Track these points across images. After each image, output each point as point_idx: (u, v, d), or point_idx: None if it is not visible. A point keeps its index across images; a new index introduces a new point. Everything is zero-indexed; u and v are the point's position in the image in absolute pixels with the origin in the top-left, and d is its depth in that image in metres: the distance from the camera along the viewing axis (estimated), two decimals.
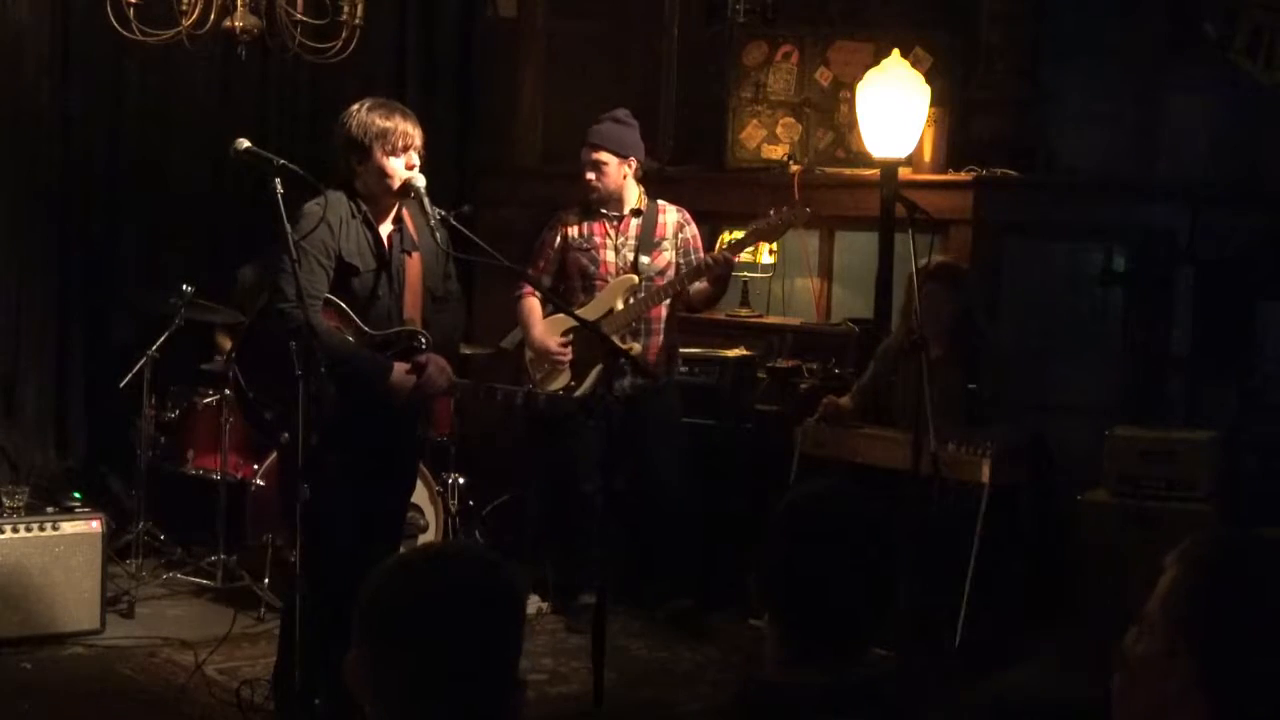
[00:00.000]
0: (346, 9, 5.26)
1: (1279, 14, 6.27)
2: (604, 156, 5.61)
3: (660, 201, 5.78)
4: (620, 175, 5.64)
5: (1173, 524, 5.30)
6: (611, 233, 5.69)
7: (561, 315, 5.57)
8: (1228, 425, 5.97)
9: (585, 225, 5.71)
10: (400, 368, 4.25)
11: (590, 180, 5.63)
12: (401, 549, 4.39)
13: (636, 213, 5.70)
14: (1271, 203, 6.74)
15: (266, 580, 5.66)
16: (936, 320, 5.30)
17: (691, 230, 5.77)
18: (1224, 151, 6.88)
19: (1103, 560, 5.39)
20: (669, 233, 5.72)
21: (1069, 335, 6.53)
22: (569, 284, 5.72)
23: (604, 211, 5.70)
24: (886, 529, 2.20)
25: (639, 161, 5.71)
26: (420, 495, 5.85)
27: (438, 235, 4.25)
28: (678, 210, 5.78)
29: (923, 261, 5.24)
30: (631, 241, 5.68)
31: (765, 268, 6.96)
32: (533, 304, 5.71)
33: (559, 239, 5.74)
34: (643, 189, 5.75)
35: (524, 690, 1.83)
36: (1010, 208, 6.50)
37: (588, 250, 5.69)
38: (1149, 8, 6.75)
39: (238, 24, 5.09)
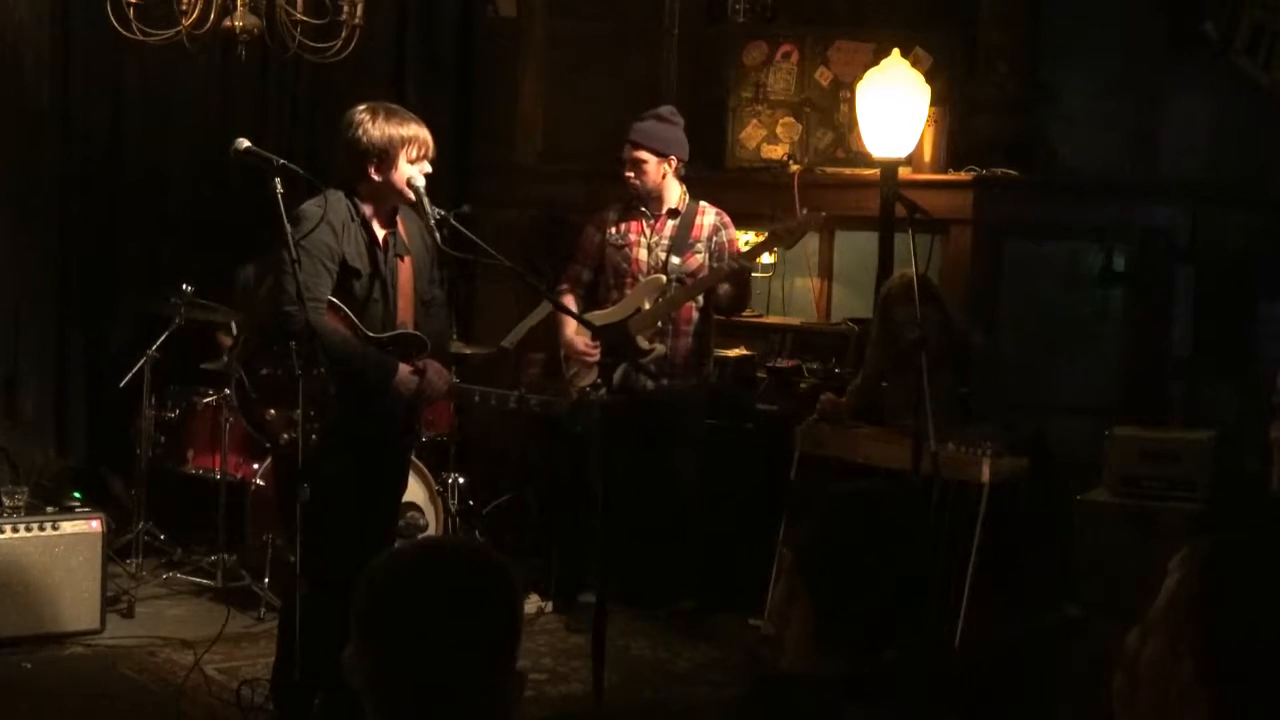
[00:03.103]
0: (346, 9, 5.26)
1: (1279, 14, 6.27)
2: (643, 155, 5.60)
3: (702, 203, 5.75)
4: (659, 174, 5.62)
5: (1173, 524, 5.30)
6: (647, 231, 5.69)
7: (594, 313, 5.58)
8: (1228, 425, 5.97)
9: (623, 223, 5.72)
10: (404, 368, 4.27)
11: (629, 178, 5.62)
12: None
13: (674, 213, 5.69)
14: (1271, 203, 6.75)
15: (266, 580, 5.66)
16: (934, 337, 5.29)
17: (729, 234, 5.75)
18: (1224, 151, 6.89)
19: (1103, 560, 5.39)
20: (704, 235, 5.70)
21: (1069, 335, 6.53)
22: (604, 280, 5.73)
23: (643, 210, 5.69)
24: (931, 533, 2.25)
25: (680, 160, 5.68)
26: (420, 495, 5.86)
27: (438, 235, 4.26)
28: (717, 213, 5.75)
29: (900, 272, 5.23)
30: (665, 241, 5.67)
31: (765, 268, 6.95)
32: (568, 302, 5.70)
33: (598, 235, 5.74)
34: (685, 188, 5.74)
35: (522, 682, 1.83)
36: (1010, 208, 6.50)
37: (622, 248, 5.69)
38: (1149, 8, 6.75)
39: (238, 24, 5.09)
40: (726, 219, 5.77)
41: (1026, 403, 5.96)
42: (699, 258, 5.68)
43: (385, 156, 4.21)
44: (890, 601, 2.14)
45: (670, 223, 5.68)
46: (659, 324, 5.60)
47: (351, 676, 1.79)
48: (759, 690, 2.14)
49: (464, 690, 1.76)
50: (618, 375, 5.30)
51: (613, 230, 5.72)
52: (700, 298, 5.68)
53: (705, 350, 5.80)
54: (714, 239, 5.71)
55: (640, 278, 5.66)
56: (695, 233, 5.69)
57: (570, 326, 5.67)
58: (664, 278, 5.62)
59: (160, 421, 6.15)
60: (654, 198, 5.66)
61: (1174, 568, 1.60)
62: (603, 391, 5.41)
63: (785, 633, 2.18)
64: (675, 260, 5.64)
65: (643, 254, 5.68)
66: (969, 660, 5.02)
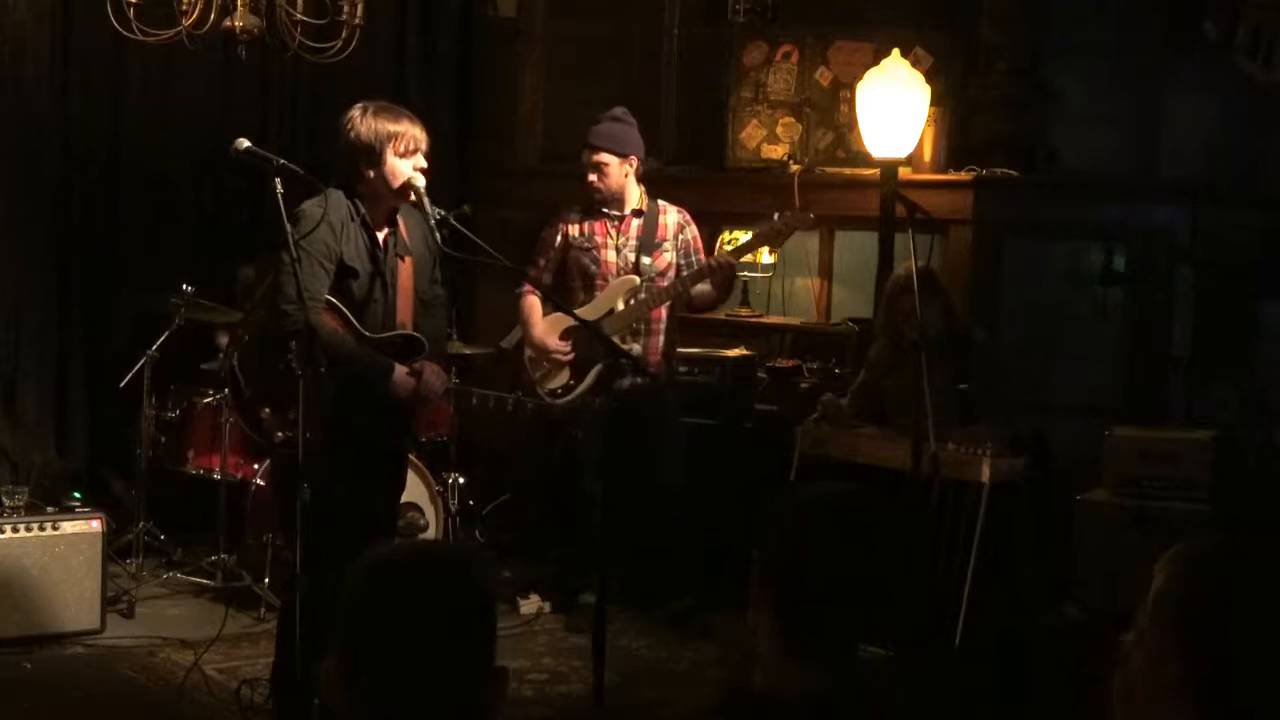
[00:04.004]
0: (346, 9, 5.26)
1: (1279, 14, 6.27)
2: (604, 158, 5.60)
3: (661, 202, 5.76)
4: (621, 174, 5.63)
5: (1173, 524, 5.29)
6: (613, 233, 5.69)
7: (561, 314, 5.56)
8: (1227, 425, 5.97)
9: (586, 225, 5.71)
10: (401, 369, 4.26)
11: (593, 182, 5.62)
12: None
13: (638, 213, 5.69)
14: (1271, 203, 6.75)
15: (266, 580, 5.66)
16: (938, 329, 5.30)
17: (692, 231, 5.77)
18: (1224, 151, 6.89)
19: (1102, 560, 5.39)
20: (670, 233, 5.71)
21: (1069, 335, 6.53)
22: (569, 283, 5.71)
23: (605, 211, 5.69)
24: (899, 534, 2.22)
25: (640, 159, 5.69)
26: (420, 495, 5.86)
27: (437, 235, 4.26)
28: (678, 211, 5.78)
29: (905, 264, 5.24)
30: (633, 242, 5.67)
31: (765, 268, 6.96)
32: (533, 302, 5.70)
33: (560, 238, 5.73)
34: (644, 188, 5.74)
35: (505, 678, 1.84)
36: (1010, 208, 6.50)
37: (589, 250, 5.69)
38: (1149, 8, 6.75)
39: (238, 24, 5.08)
40: (688, 216, 5.78)
41: (1026, 403, 5.95)
42: (667, 256, 5.69)
43: (372, 152, 4.21)
44: (854, 606, 2.12)
45: (635, 222, 5.68)
46: (632, 325, 5.60)
47: (328, 691, 1.79)
48: (727, 707, 2.13)
49: (446, 688, 1.77)
50: (593, 377, 5.32)
51: (576, 234, 5.71)
52: None
53: (672, 348, 5.81)
54: (680, 236, 5.72)
55: (610, 279, 5.65)
56: (661, 232, 5.70)
57: (538, 327, 5.67)
58: (636, 278, 5.62)
59: (160, 421, 6.15)
60: (617, 199, 5.66)
61: (1158, 571, 1.61)
62: (576, 393, 5.42)
63: (757, 641, 2.16)
64: (645, 260, 5.64)
65: (611, 255, 5.67)
66: (969, 660, 5.02)
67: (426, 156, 4.29)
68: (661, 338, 5.69)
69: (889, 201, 5.77)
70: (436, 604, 1.78)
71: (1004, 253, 6.49)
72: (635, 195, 5.70)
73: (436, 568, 1.84)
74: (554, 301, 5.55)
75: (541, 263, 5.74)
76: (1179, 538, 1.68)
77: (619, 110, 5.73)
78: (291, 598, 4.08)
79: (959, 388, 5.40)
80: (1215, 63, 6.48)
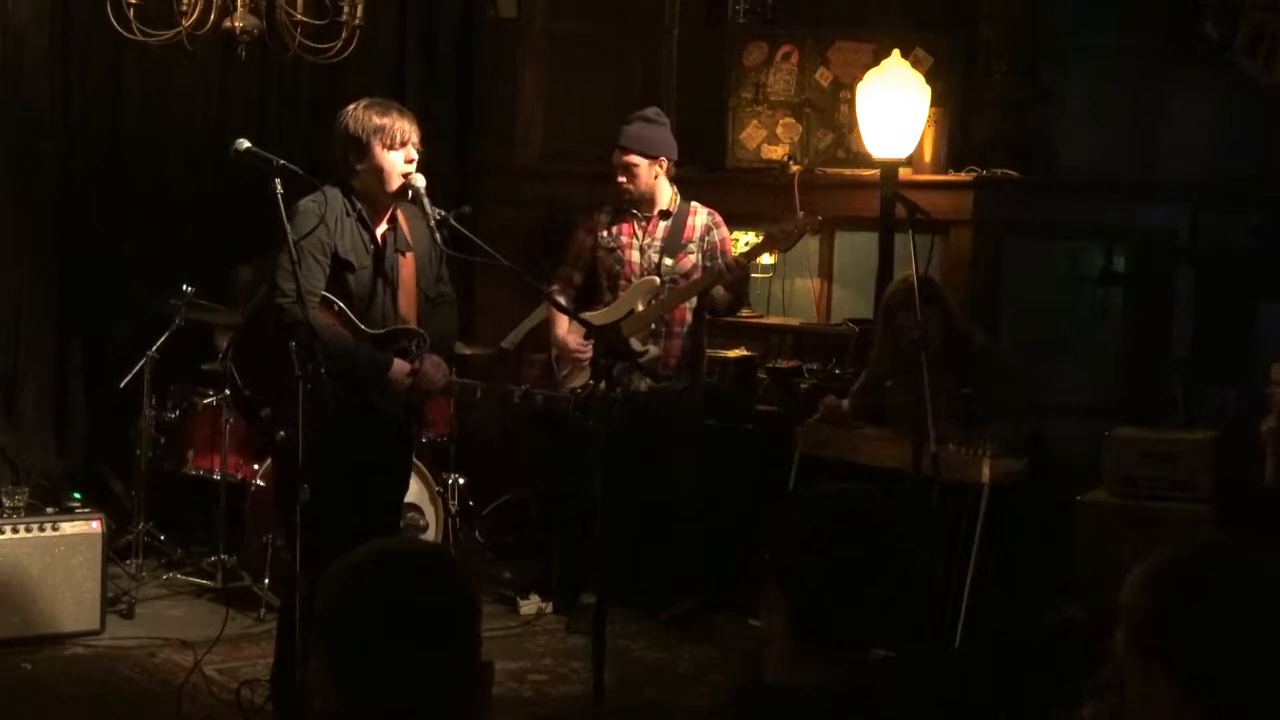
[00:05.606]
0: (346, 9, 5.26)
1: (1279, 14, 6.27)
2: (634, 159, 5.58)
3: (693, 203, 5.74)
4: (651, 176, 5.61)
5: (1173, 524, 5.30)
6: (639, 233, 5.68)
7: (586, 314, 5.56)
8: (1227, 425, 5.97)
9: (615, 226, 5.71)
10: (398, 365, 4.26)
11: (622, 184, 5.61)
12: None
13: (665, 214, 5.67)
14: (1271, 203, 6.76)
15: (266, 580, 5.66)
16: (937, 338, 5.29)
17: (720, 233, 5.74)
18: (1224, 151, 6.89)
19: (1102, 561, 5.39)
20: (696, 235, 5.69)
21: (1069, 335, 6.53)
22: (597, 283, 5.72)
23: (634, 212, 5.69)
24: (907, 533, 2.23)
25: (670, 160, 5.67)
26: (420, 495, 5.86)
27: (438, 235, 4.25)
28: (709, 213, 5.74)
29: (903, 275, 5.24)
30: (657, 243, 5.66)
31: (765, 268, 6.96)
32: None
33: (589, 238, 5.74)
34: (675, 189, 5.73)
35: (490, 673, 1.85)
36: (1010, 208, 6.50)
37: (614, 250, 5.69)
38: (1149, 8, 6.75)
39: (238, 24, 5.09)
40: (718, 219, 5.76)
41: (1027, 403, 5.95)
42: (691, 258, 5.68)
43: (359, 144, 4.21)
44: (865, 605, 2.13)
45: (662, 224, 5.68)
46: (652, 326, 5.60)
47: (317, 693, 1.80)
48: (738, 702, 2.14)
49: (430, 686, 1.77)
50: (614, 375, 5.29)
51: (604, 233, 5.71)
52: (694, 299, 5.67)
53: (699, 351, 5.79)
54: (706, 239, 5.70)
55: (633, 280, 5.65)
56: (687, 233, 5.68)
57: (562, 326, 5.67)
58: (656, 279, 5.62)
59: (160, 422, 6.14)
60: (646, 200, 5.66)
61: (1123, 601, 1.62)
62: (600, 388, 5.41)
63: (770, 642, 2.17)
64: (668, 261, 5.64)
65: (635, 256, 5.67)
66: (968, 660, 5.02)
67: (419, 151, 4.28)
68: (681, 341, 5.67)
69: (889, 202, 5.76)
70: (414, 602, 1.78)
71: (1004, 253, 6.50)
72: (666, 196, 5.68)
73: (413, 566, 1.84)
74: (555, 304, 5.52)
75: (571, 263, 5.76)
76: (1179, 538, 1.69)
77: (651, 111, 5.72)
78: (291, 598, 4.08)
79: (962, 391, 5.40)
80: (1215, 63, 6.48)
